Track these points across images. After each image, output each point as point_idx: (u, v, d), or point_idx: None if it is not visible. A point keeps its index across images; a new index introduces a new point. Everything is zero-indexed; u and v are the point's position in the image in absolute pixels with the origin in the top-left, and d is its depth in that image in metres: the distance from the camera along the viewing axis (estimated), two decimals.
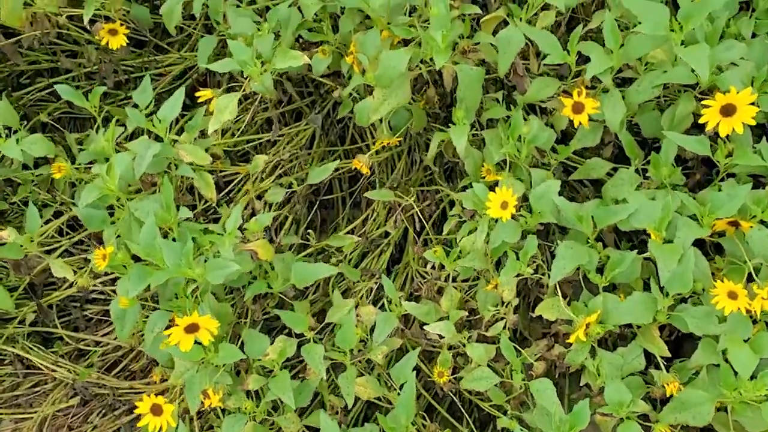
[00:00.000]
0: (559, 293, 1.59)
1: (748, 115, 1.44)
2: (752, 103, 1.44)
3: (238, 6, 1.91)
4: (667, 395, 1.47)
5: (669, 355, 1.52)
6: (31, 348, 1.99)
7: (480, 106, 1.72)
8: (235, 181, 2.03)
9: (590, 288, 1.61)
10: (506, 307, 1.65)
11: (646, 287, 1.60)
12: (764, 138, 1.58)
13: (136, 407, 1.60)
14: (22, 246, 1.75)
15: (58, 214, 2.04)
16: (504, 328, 1.65)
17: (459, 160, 1.79)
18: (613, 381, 1.51)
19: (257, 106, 2.08)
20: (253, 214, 1.91)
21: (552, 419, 1.50)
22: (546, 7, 1.68)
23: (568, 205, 1.59)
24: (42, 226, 1.94)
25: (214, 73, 2.06)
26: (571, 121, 1.65)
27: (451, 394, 1.79)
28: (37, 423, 1.97)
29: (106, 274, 1.93)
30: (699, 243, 1.53)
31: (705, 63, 1.46)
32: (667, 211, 1.49)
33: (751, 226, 1.51)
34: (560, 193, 1.62)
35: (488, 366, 1.65)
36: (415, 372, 1.62)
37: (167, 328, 1.63)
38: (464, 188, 1.84)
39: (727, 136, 1.49)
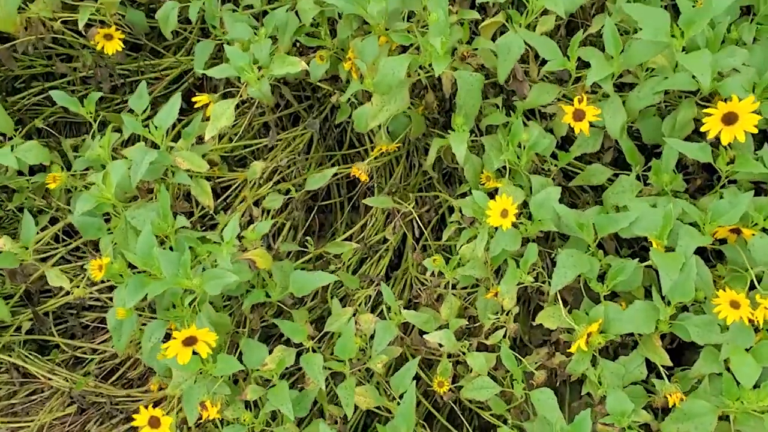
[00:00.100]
0: (560, 301, 1.58)
1: (750, 124, 1.42)
2: (754, 111, 1.43)
3: (234, 11, 1.89)
4: (670, 406, 1.46)
5: (671, 364, 1.51)
6: (27, 356, 1.98)
7: (479, 111, 1.71)
8: (233, 187, 2.02)
9: (591, 296, 1.60)
10: (506, 315, 1.64)
11: (648, 294, 1.59)
12: (766, 144, 1.56)
13: (133, 416, 1.58)
14: (17, 255, 1.73)
15: (53, 221, 2.03)
16: (504, 336, 1.64)
17: (458, 165, 1.78)
18: (614, 390, 1.50)
19: (254, 111, 2.07)
20: (250, 221, 1.89)
21: (553, 429, 1.49)
22: (545, 12, 1.66)
23: (569, 213, 1.57)
24: (38, 233, 1.93)
25: (211, 77, 2.05)
26: (571, 126, 1.63)
27: (450, 402, 1.78)
28: None
29: (102, 281, 1.91)
30: (700, 250, 1.52)
31: (707, 70, 1.45)
32: (668, 220, 1.48)
33: (753, 234, 1.50)
34: (560, 199, 1.61)
35: (489, 374, 1.64)
36: (414, 380, 1.60)
37: (165, 337, 1.62)
38: (463, 194, 1.83)
39: (729, 143, 1.48)
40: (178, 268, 1.49)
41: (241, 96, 1.73)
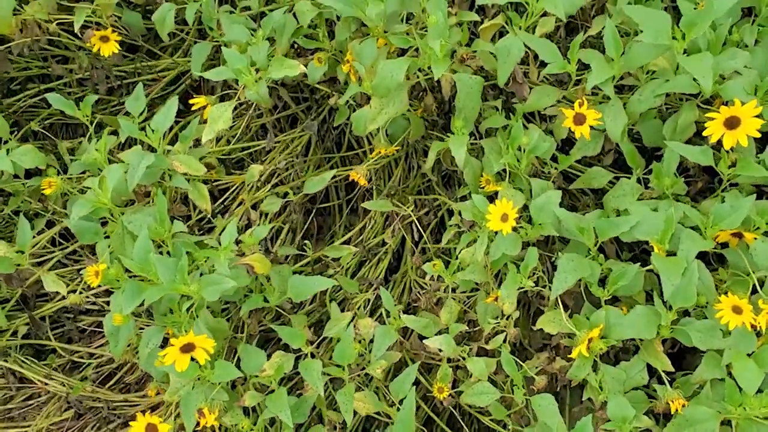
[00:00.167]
0: (560, 305, 1.57)
1: (753, 128, 1.41)
2: (757, 116, 1.41)
3: (231, 12, 1.88)
4: (672, 412, 1.45)
5: (672, 370, 1.50)
6: (23, 361, 1.96)
7: (479, 114, 1.69)
8: (231, 190, 2.00)
9: (592, 300, 1.59)
10: (507, 320, 1.63)
11: (649, 298, 1.58)
12: None
13: (130, 420, 1.57)
14: (12, 259, 1.72)
15: (50, 224, 2.01)
16: (504, 341, 1.63)
17: (457, 168, 1.77)
18: (615, 396, 1.49)
19: (252, 113, 2.06)
20: (248, 224, 1.88)
21: None
22: (545, 13, 1.65)
23: (570, 217, 1.56)
24: (34, 236, 1.91)
25: (208, 78, 2.03)
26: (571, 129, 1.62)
27: (450, 407, 1.77)
28: None
29: (99, 285, 1.90)
30: (701, 253, 1.50)
31: (708, 73, 1.44)
32: (669, 224, 1.47)
33: (755, 238, 1.49)
34: (561, 202, 1.59)
35: (489, 379, 1.62)
36: (414, 385, 1.59)
37: (163, 343, 1.61)
38: (463, 197, 1.81)
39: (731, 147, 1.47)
40: (176, 273, 1.47)
41: (238, 99, 1.71)
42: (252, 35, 1.75)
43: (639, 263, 1.54)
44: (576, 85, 1.69)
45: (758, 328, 1.41)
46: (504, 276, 1.64)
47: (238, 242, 1.66)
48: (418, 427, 1.76)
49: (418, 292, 1.83)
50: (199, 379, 1.53)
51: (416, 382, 1.65)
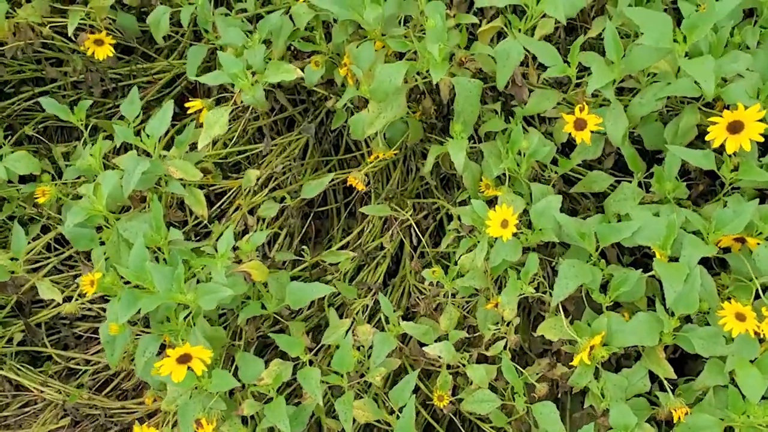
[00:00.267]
0: (561, 311, 1.55)
1: (756, 132, 1.40)
2: (760, 120, 1.40)
3: (227, 14, 1.85)
4: (675, 421, 1.44)
5: (675, 377, 1.49)
6: (19, 369, 1.94)
7: (478, 117, 1.67)
8: (228, 194, 1.98)
9: (593, 305, 1.57)
10: (507, 326, 1.61)
11: (650, 303, 1.56)
12: None
13: (128, 428, 1.56)
14: (6, 266, 1.70)
15: (45, 229, 1.99)
16: (505, 348, 1.61)
17: (456, 172, 1.75)
18: (617, 403, 1.47)
19: (248, 116, 2.03)
20: (245, 229, 1.86)
21: None
22: (544, 15, 1.63)
23: (570, 222, 1.54)
24: (29, 242, 1.89)
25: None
26: None
27: (450, 414, 1.75)
28: None
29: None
30: (704, 258, 1.48)
31: (710, 76, 1.42)
32: (671, 229, 1.45)
33: (758, 243, 1.47)
34: (561, 205, 1.58)
35: (489, 386, 1.61)
36: (413, 392, 1.58)
37: (160, 349, 1.59)
38: (462, 202, 1.80)
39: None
40: (172, 282, 1.45)
41: (234, 103, 1.69)
42: (248, 36, 1.73)
43: (641, 267, 1.53)
44: (576, 88, 1.67)
45: (761, 335, 1.40)
46: (504, 281, 1.62)
47: (235, 248, 1.64)
48: None
49: (418, 297, 1.82)
50: (196, 388, 1.52)
51: (416, 389, 1.63)
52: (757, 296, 1.46)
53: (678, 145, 1.57)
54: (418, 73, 1.66)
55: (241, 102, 1.71)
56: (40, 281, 1.74)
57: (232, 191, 1.98)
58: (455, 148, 1.61)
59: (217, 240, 1.62)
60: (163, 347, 1.61)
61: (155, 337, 1.59)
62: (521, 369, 1.60)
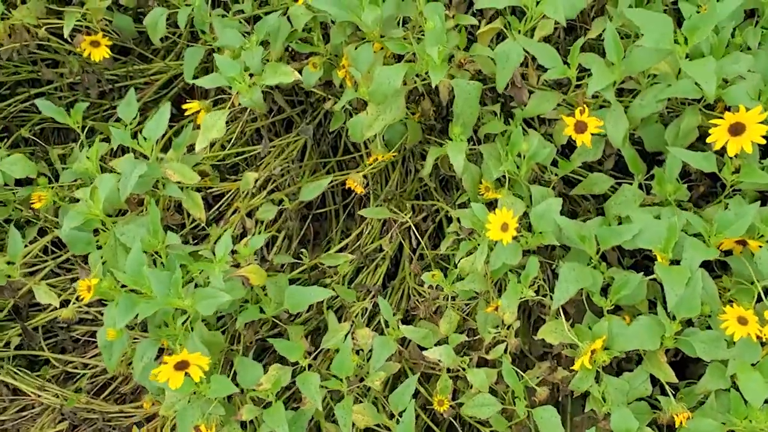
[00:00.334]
0: (562, 314, 1.54)
1: (758, 134, 1.38)
2: (762, 121, 1.39)
3: (224, 16, 1.84)
4: (677, 426, 1.43)
5: (676, 381, 1.48)
6: (16, 373, 1.93)
7: (477, 118, 1.66)
8: (226, 196, 1.97)
9: (594, 309, 1.56)
10: (507, 329, 1.60)
11: (651, 306, 1.56)
12: None
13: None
14: (3, 271, 1.69)
15: (42, 232, 1.98)
16: (505, 352, 1.60)
17: (455, 173, 1.74)
18: (619, 408, 1.46)
19: (246, 117, 2.02)
20: (243, 232, 1.85)
21: None
22: (544, 15, 1.61)
23: (571, 225, 1.53)
24: (26, 245, 1.88)
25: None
26: None
27: (450, 418, 1.74)
28: None
29: None
30: (705, 260, 1.47)
31: (711, 78, 1.41)
32: (673, 232, 1.44)
33: (760, 246, 1.47)
34: (561, 207, 1.56)
35: (489, 389, 1.60)
36: (413, 396, 1.57)
37: (158, 353, 1.58)
38: (461, 204, 1.79)
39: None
40: (169, 287, 1.44)
41: (232, 105, 1.68)
42: (245, 38, 1.71)
43: (641, 269, 1.52)
44: (576, 89, 1.66)
45: (763, 339, 1.39)
46: (504, 284, 1.61)
47: (233, 252, 1.63)
48: None
49: (417, 300, 1.81)
50: (195, 393, 1.51)
51: (415, 392, 1.62)
52: (759, 299, 1.46)
53: (679, 147, 1.56)
54: (417, 75, 1.65)
55: (239, 104, 1.69)
56: (37, 286, 1.73)
57: (230, 193, 1.97)
58: (454, 150, 1.60)
59: (215, 243, 1.61)
60: (161, 351, 1.60)
61: (153, 342, 1.58)
62: (522, 373, 1.59)
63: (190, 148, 1.74)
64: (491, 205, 1.61)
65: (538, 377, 1.60)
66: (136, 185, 1.60)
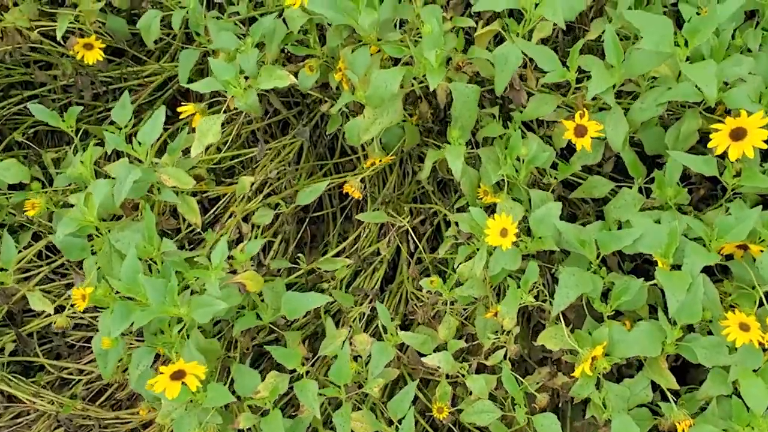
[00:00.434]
0: (562, 319, 1.53)
1: (759, 139, 1.37)
2: (763, 126, 1.37)
3: (219, 18, 1.82)
4: None
5: (677, 387, 1.46)
6: (11, 379, 1.91)
7: (475, 121, 1.64)
8: (221, 200, 1.95)
9: (594, 314, 1.55)
10: (507, 335, 1.59)
11: (652, 311, 1.54)
12: None
13: None
14: None
15: (36, 237, 1.96)
16: (505, 357, 1.59)
17: (454, 177, 1.72)
18: (620, 414, 1.45)
19: (242, 119, 2.00)
20: (239, 237, 1.83)
21: None
22: (542, 18, 1.60)
23: (571, 230, 1.52)
24: (20, 251, 1.86)
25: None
26: None
27: (450, 424, 1.73)
28: None
29: None
30: (706, 265, 1.46)
31: (712, 81, 1.40)
32: (673, 237, 1.43)
33: (762, 251, 1.45)
34: (560, 211, 1.55)
35: (489, 395, 1.59)
36: (412, 401, 1.56)
37: (155, 360, 1.57)
38: (460, 208, 1.77)
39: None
40: (165, 295, 1.42)
41: (227, 109, 1.66)
42: (240, 39, 1.69)
43: (642, 273, 1.51)
44: (576, 91, 1.64)
45: (766, 345, 1.38)
46: (503, 289, 1.60)
47: (229, 257, 1.62)
48: None
49: (415, 305, 1.79)
50: (191, 401, 1.49)
51: (414, 398, 1.61)
52: (761, 304, 1.44)
53: (679, 150, 1.54)
54: (414, 78, 1.63)
55: (234, 107, 1.68)
56: (31, 292, 1.71)
57: (225, 197, 1.95)
58: (453, 154, 1.58)
59: (210, 249, 1.59)
60: (157, 357, 1.58)
61: (149, 350, 1.56)
62: (521, 379, 1.58)
63: (186, 151, 1.72)
64: (490, 208, 1.60)
65: (537, 383, 1.59)
66: (130, 190, 1.58)
